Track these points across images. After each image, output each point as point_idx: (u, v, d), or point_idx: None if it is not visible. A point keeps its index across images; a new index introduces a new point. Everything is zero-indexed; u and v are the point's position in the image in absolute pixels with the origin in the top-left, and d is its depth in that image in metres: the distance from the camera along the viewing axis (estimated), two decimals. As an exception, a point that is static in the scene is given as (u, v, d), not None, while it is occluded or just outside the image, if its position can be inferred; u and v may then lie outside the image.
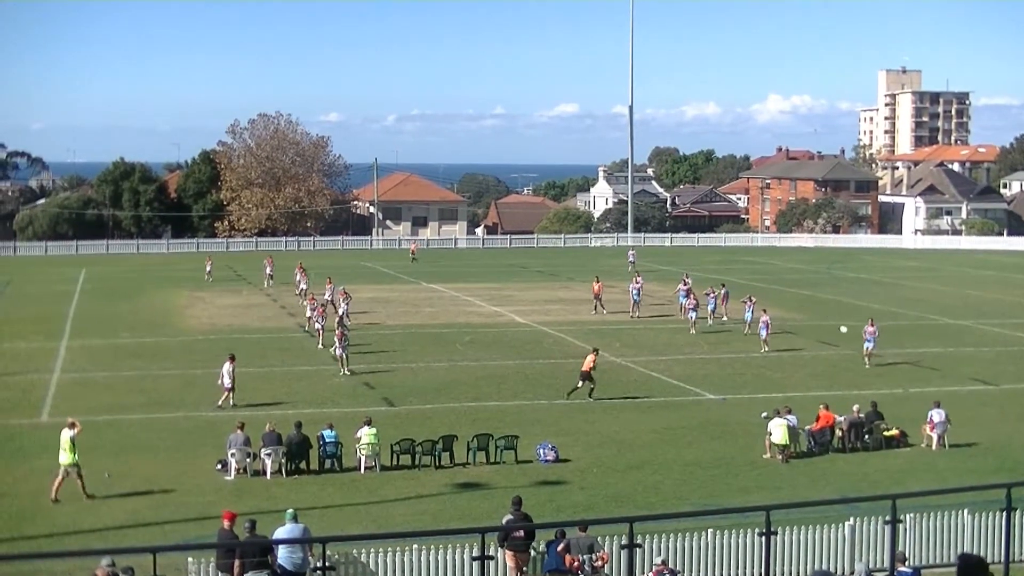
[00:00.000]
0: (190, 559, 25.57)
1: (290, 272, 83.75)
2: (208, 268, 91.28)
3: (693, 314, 64.96)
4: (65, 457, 33.71)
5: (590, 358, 47.81)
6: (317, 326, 59.55)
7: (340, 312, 62.67)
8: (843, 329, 58.94)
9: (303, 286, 75.38)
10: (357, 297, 79.62)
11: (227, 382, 45.04)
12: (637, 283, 73.13)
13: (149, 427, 41.98)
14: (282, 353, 56.60)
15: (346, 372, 51.72)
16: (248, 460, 35.98)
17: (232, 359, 45.85)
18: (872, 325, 55.48)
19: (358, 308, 72.93)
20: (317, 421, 39.66)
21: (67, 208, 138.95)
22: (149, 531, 30.16)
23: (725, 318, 68.03)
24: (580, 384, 47.06)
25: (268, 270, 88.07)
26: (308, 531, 26.31)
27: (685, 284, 72.37)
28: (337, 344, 52.48)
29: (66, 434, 33.94)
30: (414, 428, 40.55)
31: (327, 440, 36.97)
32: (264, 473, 35.84)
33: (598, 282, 74.47)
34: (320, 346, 57.84)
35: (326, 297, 68.19)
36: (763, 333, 58.49)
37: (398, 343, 60.94)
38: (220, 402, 45.12)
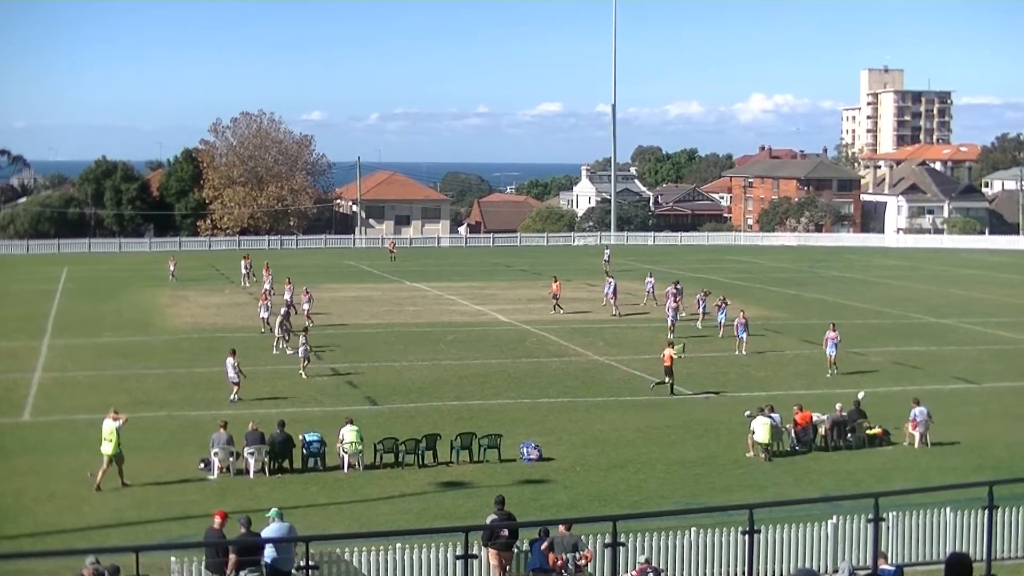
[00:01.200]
0: (173, 558, 25.53)
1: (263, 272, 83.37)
2: (172, 268, 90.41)
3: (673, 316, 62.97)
4: (108, 447, 34.50)
5: (667, 352, 48.68)
6: (279, 333, 57.86)
7: (296, 311, 62.59)
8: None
9: (266, 286, 74.94)
10: (340, 296, 79.68)
11: (232, 375, 45.83)
12: (609, 282, 73.96)
13: (133, 426, 41.62)
14: (265, 352, 56.46)
15: (303, 374, 50.94)
16: (231, 459, 35.96)
17: (233, 353, 46.38)
18: (834, 330, 53.49)
19: (343, 308, 73.03)
20: (300, 420, 39.66)
21: (49, 207, 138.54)
22: (132, 530, 30.11)
23: (683, 313, 68.73)
24: (666, 380, 47.91)
25: (244, 269, 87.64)
26: (294, 530, 26.30)
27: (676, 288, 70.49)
28: (300, 344, 51.83)
29: (109, 424, 34.74)
30: (397, 427, 40.54)
31: (309, 441, 37.01)
32: (247, 472, 35.80)
33: (556, 282, 74.00)
34: (278, 350, 56.78)
35: (286, 297, 68.02)
36: (743, 335, 57.87)
37: (381, 342, 60.89)
38: (232, 396, 45.70)
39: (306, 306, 65.09)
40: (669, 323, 62.07)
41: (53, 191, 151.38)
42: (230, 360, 46.08)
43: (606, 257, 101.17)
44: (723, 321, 62.83)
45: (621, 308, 71.59)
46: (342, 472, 36.35)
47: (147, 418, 43.16)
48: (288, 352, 55.32)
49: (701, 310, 66.88)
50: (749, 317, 59.83)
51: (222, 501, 31.46)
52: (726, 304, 64.06)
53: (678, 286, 69.55)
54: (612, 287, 72.94)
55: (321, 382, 50.25)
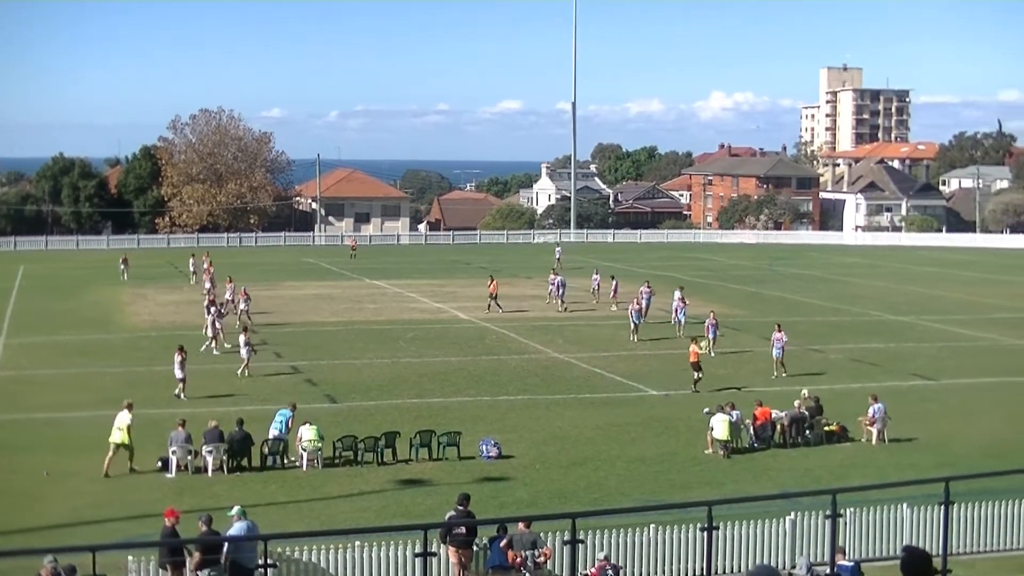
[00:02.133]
0: (130, 557, 25.41)
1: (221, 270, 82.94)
2: (123, 268, 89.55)
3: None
4: (118, 436, 35.72)
5: (692, 348, 49.28)
6: (210, 332, 57.23)
7: (228, 312, 62.37)
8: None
9: (207, 285, 74.62)
10: (300, 294, 79.58)
11: (178, 372, 45.74)
12: (554, 278, 74.43)
13: (93, 425, 41.62)
14: (235, 348, 56.14)
15: (245, 373, 50.47)
16: (189, 457, 35.81)
17: (181, 350, 46.29)
18: (779, 331, 52.79)
19: (303, 306, 72.89)
20: (260, 418, 39.51)
21: (5, 204, 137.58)
22: (90, 529, 29.96)
23: (614, 308, 70.25)
24: (696, 375, 48.50)
25: (192, 267, 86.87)
26: (257, 528, 26.19)
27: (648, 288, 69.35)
28: (242, 344, 51.30)
29: (125, 417, 36.08)
30: (357, 425, 40.48)
31: (282, 420, 37.33)
32: (206, 471, 35.66)
33: (493, 281, 73.07)
34: (204, 349, 55.77)
35: (226, 296, 67.77)
36: (713, 335, 57.16)
37: (341, 340, 60.78)
38: (177, 392, 45.69)
39: (243, 306, 64.73)
40: (679, 322, 62.80)
41: (9, 188, 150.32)
42: (177, 357, 45.94)
43: (558, 255, 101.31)
44: (683, 321, 62.65)
45: (568, 304, 72.34)
46: (301, 470, 36.26)
47: (107, 416, 42.81)
48: (215, 352, 55.06)
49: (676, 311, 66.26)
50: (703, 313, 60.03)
51: (180, 500, 31.34)
52: (685, 304, 63.94)
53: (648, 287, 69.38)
54: (558, 283, 73.56)
55: (280, 380, 50.10)
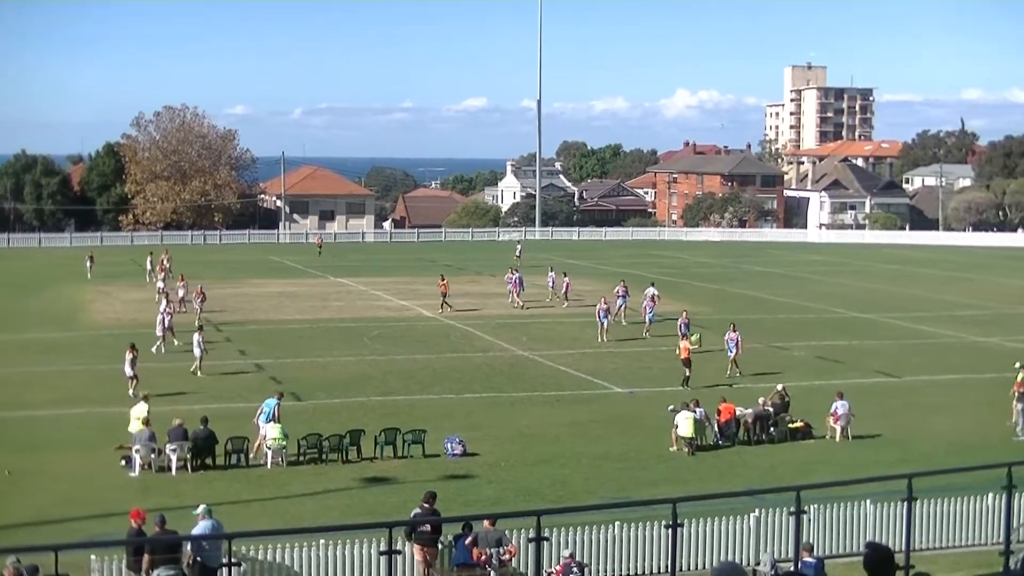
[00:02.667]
0: (93, 557, 25.28)
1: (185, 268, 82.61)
2: (88, 265, 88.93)
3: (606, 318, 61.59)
4: (135, 426, 36.53)
5: (683, 344, 50.03)
6: (159, 331, 56.38)
7: (177, 311, 62.13)
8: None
9: (159, 284, 74.22)
10: (265, 292, 79.39)
11: (128, 370, 45.57)
12: (513, 275, 74.62)
13: (56, 423, 41.51)
14: (188, 347, 55.93)
15: (198, 372, 50.19)
16: (153, 456, 35.67)
17: (132, 348, 46.20)
18: (735, 331, 52.18)
19: (267, 304, 72.68)
20: (224, 416, 39.41)
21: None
22: (53, 529, 29.76)
23: (565, 304, 71.69)
24: (686, 371, 49.00)
25: (149, 265, 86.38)
26: (222, 527, 26.09)
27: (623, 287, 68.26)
28: (196, 343, 50.89)
29: (142, 408, 37.26)
30: (321, 423, 40.40)
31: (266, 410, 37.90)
32: (170, 469, 35.54)
33: (443, 280, 71.89)
34: (155, 349, 55.14)
35: (179, 294, 67.42)
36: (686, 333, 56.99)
37: (306, 337, 60.68)
38: (131, 391, 45.12)
39: (196, 304, 64.44)
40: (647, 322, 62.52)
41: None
42: (128, 355, 45.83)
43: (517, 252, 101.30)
44: (652, 320, 62.52)
45: (524, 302, 72.69)
46: (265, 468, 36.19)
47: (71, 415, 42.82)
48: (161, 352, 54.40)
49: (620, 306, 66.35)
50: (673, 312, 60.11)
51: (144, 498, 31.18)
52: (654, 303, 63.89)
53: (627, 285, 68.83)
54: (516, 280, 73.87)
55: (245, 378, 49.97)
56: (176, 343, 55.75)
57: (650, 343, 59.44)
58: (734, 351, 51.99)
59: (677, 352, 50.68)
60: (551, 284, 77.02)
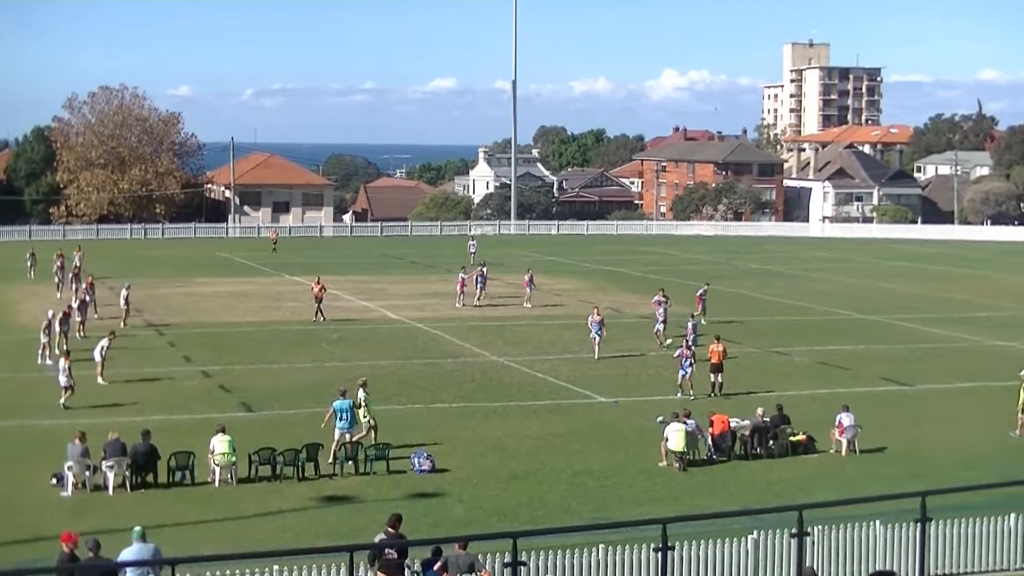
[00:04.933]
0: (20, 585, 25.16)
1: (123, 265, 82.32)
2: (29, 263, 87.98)
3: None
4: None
5: (713, 348, 49.25)
6: (43, 338, 54.55)
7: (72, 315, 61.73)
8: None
9: (56, 279, 73.70)
10: (212, 291, 79.21)
11: (63, 380, 45.03)
12: (466, 275, 75.15)
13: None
14: (128, 353, 55.78)
15: (100, 380, 49.33)
16: (88, 473, 35.47)
17: (67, 355, 45.87)
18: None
19: (215, 304, 72.54)
20: (166, 429, 39.27)
21: None
22: (-24, 554, 29.63)
23: (527, 305, 72.49)
24: (715, 378, 48.83)
25: (30, 261, 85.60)
26: (159, 552, 25.96)
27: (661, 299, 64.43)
28: (100, 346, 49.92)
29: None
30: (275, 436, 40.22)
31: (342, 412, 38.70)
32: (106, 488, 35.36)
33: (319, 283, 69.51)
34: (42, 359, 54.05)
35: (81, 296, 67.15)
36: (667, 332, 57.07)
37: (258, 341, 60.56)
38: (61, 401, 44.93)
39: (87, 297, 64.33)
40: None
41: None
42: (62, 362, 45.39)
43: (472, 248, 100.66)
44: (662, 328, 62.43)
45: (466, 300, 73.34)
46: (213, 486, 36.04)
47: (-6, 428, 42.62)
48: (48, 363, 52.66)
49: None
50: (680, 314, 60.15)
51: (78, 521, 31.03)
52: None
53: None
54: (477, 278, 74.56)
55: (190, 387, 49.81)
56: (57, 352, 52.31)
57: (635, 347, 59.37)
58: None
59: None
60: (529, 286, 76.19)
